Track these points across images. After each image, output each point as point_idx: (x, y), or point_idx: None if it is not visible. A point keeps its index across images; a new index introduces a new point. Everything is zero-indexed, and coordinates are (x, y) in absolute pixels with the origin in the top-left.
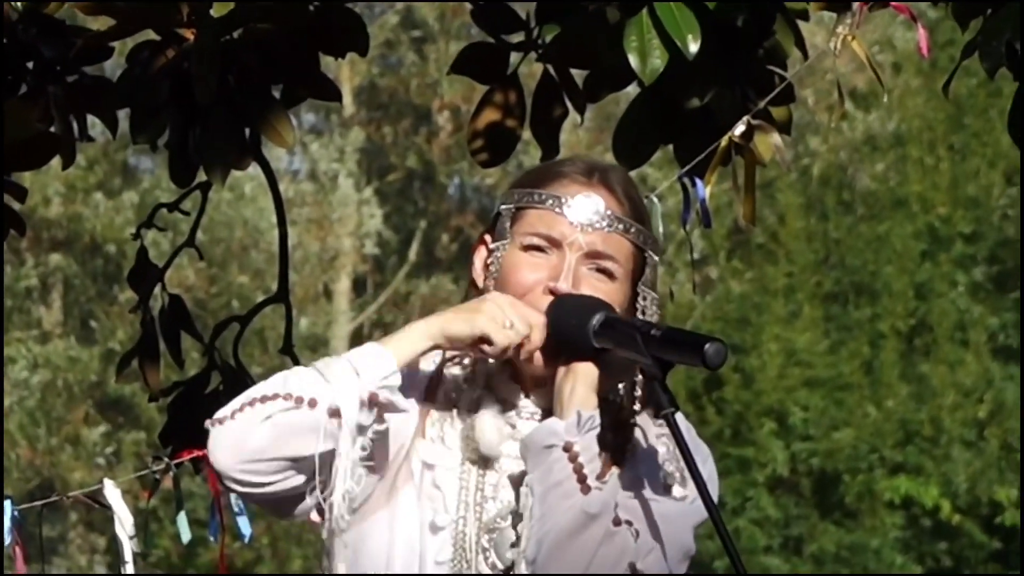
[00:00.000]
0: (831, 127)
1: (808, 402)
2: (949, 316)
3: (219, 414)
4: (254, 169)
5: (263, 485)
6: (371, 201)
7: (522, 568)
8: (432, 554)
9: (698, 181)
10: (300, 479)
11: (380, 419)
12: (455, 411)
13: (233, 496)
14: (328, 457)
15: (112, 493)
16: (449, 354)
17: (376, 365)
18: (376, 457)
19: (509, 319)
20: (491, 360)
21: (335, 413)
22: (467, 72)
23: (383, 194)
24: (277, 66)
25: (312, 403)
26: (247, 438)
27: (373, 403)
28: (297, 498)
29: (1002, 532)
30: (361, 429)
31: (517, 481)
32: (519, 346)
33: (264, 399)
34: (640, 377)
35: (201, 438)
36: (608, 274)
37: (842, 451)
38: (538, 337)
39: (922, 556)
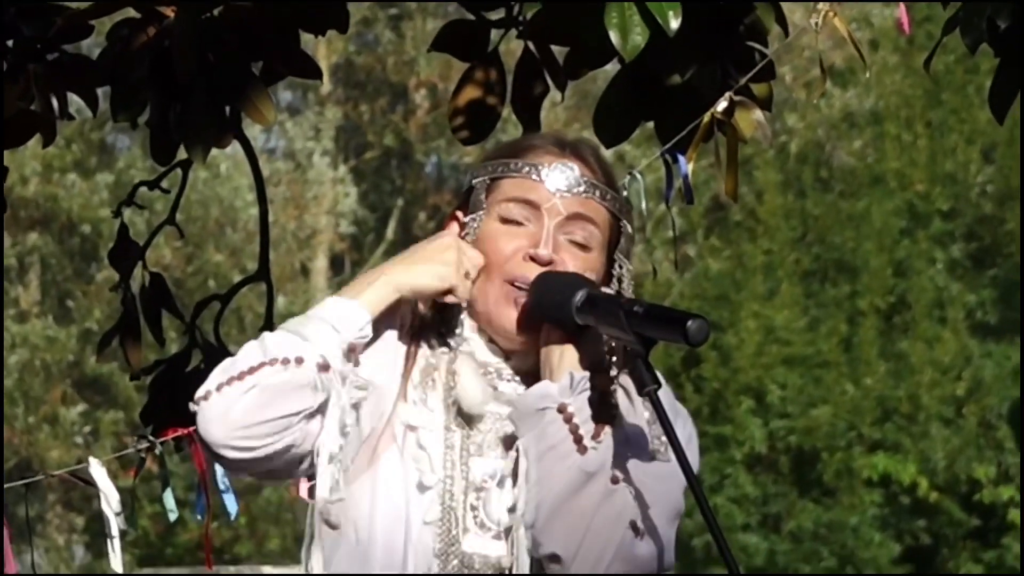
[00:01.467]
0: (812, 103)
1: (786, 380)
2: (927, 293)
3: (202, 390)
4: (231, 148)
5: (258, 448)
6: (346, 180)
7: (520, 531)
8: (419, 514)
9: (680, 157)
10: (293, 438)
11: (356, 363)
12: (435, 374)
13: (219, 474)
14: (318, 413)
15: (98, 471)
16: (420, 308)
17: (350, 319)
18: (361, 418)
19: (467, 267)
20: (448, 302)
21: (323, 367)
22: (447, 49)
23: (360, 172)
24: (257, 44)
25: (299, 360)
26: (237, 406)
27: (352, 352)
28: (293, 461)
29: (980, 509)
30: (344, 379)
31: (503, 441)
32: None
33: (252, 370)
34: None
35: (183, 417)
36: (585, 244)
37: (820, 429)
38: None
39: (900, 533)
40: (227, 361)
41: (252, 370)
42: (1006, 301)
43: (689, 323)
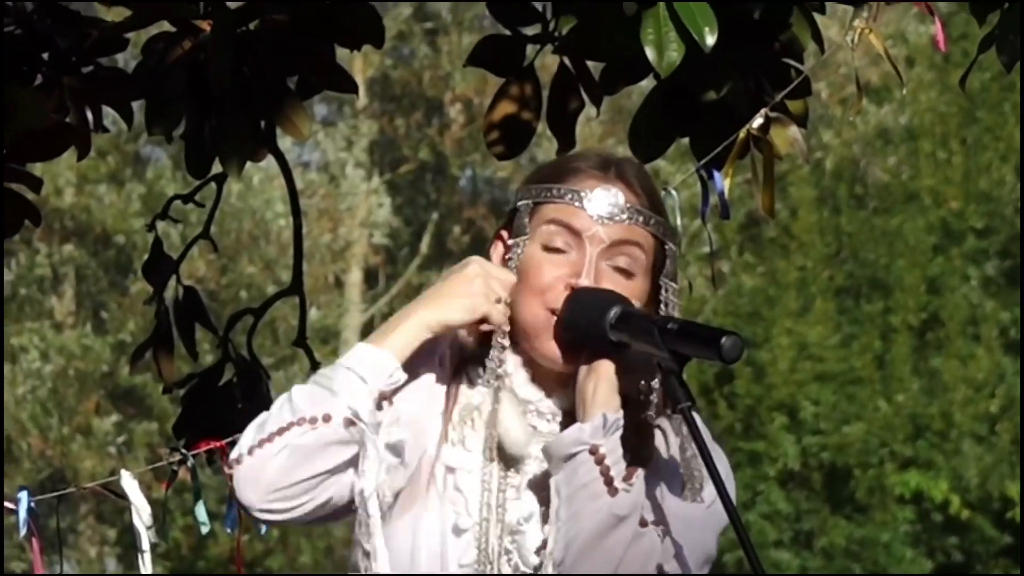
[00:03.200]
0: (847, 120)
1: (819, 396)
2: (961, 310)
3: (235, 452)
4: (264, 161)
5: (293, 509)
6: (380, 191)
7: (549, 569)
8: (455, 557)
9: (716, 173)
10: (329, 492)
11: (389, 404)
12: (476, 414)
13: None
14: (348, 465)
15: (129, 484)
16: (467, 351)
17: (379, 367)
18: (404, 456)
19: (497, 292)
20: (503, 355)
21: (351, 422)
22: (483, 64)
23: (395, 186)
24: (293, 57)
25: (327, 419)
26: (268, 470)
27: (382, 398)
28: (332, 513)
29: (1012, 527)
30: (377, 427)
31: (540, 483)
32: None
33: (280, 431)
34: (659, 376)
35: (216, 430)
36: (629, 270)
37: (853, 445)
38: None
39: (932, 551)
40: (259, 420)
41: (281, 431)
42: None
43: (723, 340)
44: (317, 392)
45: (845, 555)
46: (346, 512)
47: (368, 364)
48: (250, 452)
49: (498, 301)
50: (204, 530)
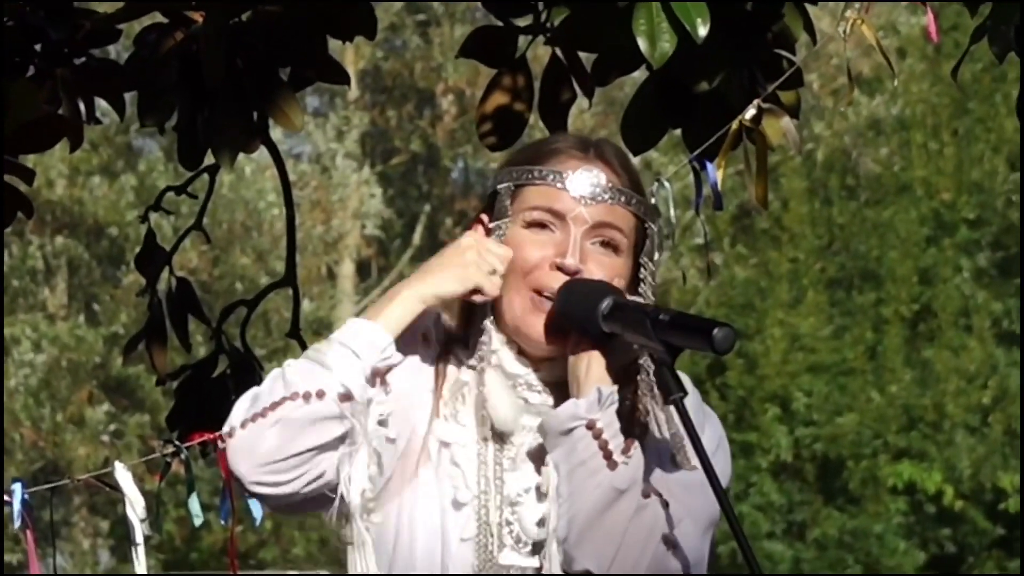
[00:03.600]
0: (839, 111)
1: (812, 387)
2: (953, 301)
3: (227, 426)
4: (256, 152)
5: (286, 483)
6: (371, 181)
7: (553, 547)
8: (456, 531)
9: (708, 165)
10: (322, 467)
11: (383, 384)
12: (465, 389)
13: None
14: (340, 441)
15: (123, 476)
16: (453, 332)
17: (372, 341)
18: (394, 433)
19: (491, 264)
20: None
21: (345, 397)
22: (475, 55)
23: (387, 178)
24: (285, 49)
25: (320, 394)
26: (261, 444)
27: (376, 375)
28: (322, 491)
29: (1005, 519)
30: (369, 403)
31: (536, 454)
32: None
33: (273, 406)
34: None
35: (209, 422)
36: (613, 247)
37: (845, 436)
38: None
39: (925, 542)
40: (251, 394)
41: (274, 405)
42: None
43: (715, 331)
44: (310, 367)
45: (838, 546)
46: (328, 499)
47: (361, 339)
48: (243, 425)
49: (492, 273)
50: (197, 522)
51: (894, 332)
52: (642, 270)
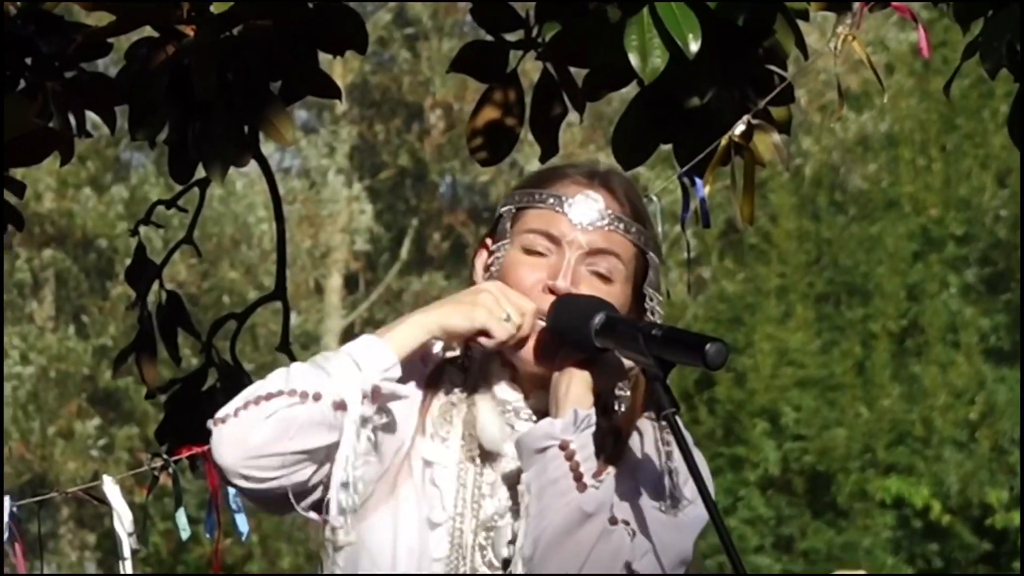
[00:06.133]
0: (828, 127)
1: (800, 402)
2: (941, 317)
3: (221, 413)
4: (246, 166)
5: (268, 480)
6: (361, 197)
7: (519, 566)
8: (430, 551)
9: (697, 180)
10: (305, 474)
11: (381, 411)
12: (455, 410)
13: (231, 493)
14: (334, 449)
15: (111, 489)
16: (448, 354)
17: (377, 358)
18: (380, 450)
19: (505, 311)
20: (489, 348)
21: (339, 406)
22: (466, 70)
23: (375, 192)
24: (276, 63)
25: (316, 397)
26: (251, 434)
27: (375, 395)
28: (299, 495)
29: (992, 534)
30: (364, 421)
31: (514, 479)
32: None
33: (269, 396)
34: (640, 377)
35: (198, 436)
36: (607, 276)
37: (834, 451)
38: (528, 324)
39: (913, 557)
40: (250, 387)
41: (269, 396)
42: (1020, 326)
43: (708, 346)
44: (313, 371)
45: (827, 560)
46: (305, 498)
47: (366, 354)
48: (236, 413)
49: (506, 320)
50: (184, 535)
51: (882, 347)
52: (647, 301)
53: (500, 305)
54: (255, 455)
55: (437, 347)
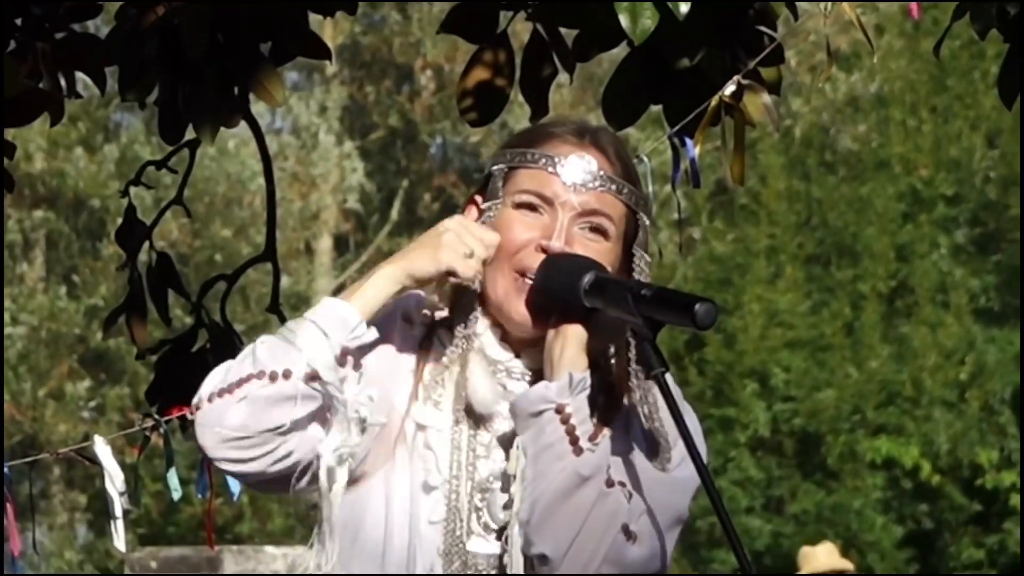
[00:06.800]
0: (817, 87)
1: (790, 363)
2: (930, 278)
3: (196, 398)
4: (238, 126)
5: (250, 460)
6: (353, 155)
7: (515, 529)
8: (425, 514)
9: (687, 141)
10: (288, 447)
11: (356, 365)
12: (446, 373)
13: None
14: (309, 420)
15: (102, 449)
16: (438, 315)
17: (343, 323)
18: (368, 414)
19: (469, 247)
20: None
21: (312, 377)
22: (456, 31)
23: (366, 152)
24: (266, 24)
25: (287, 375)
26: (226, 419)
27: (346, 355)
28: (293, 469)
29: (982, 495)
30: (343, 381)
31: (508, 441)
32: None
33: (240, 382)
34: (632, 340)
35: (189, 397)
36: (601, 233)
37: (824, 412)
38: (491, 254)
39: (903, 517)
40: (223, 367)
41: (241, 382)
42: (1009, 287)
43: (697, 306)
44: (280, 345)
45: (817, 521)
46: (301, 475)
47: (332, 319)
48: (210, 399)
49: (470, 256)
50: (176, 496)
51: (872, 308)
52: (636, 261)
53: (463, 241)
54: (232, 438)
55: (423, 314)
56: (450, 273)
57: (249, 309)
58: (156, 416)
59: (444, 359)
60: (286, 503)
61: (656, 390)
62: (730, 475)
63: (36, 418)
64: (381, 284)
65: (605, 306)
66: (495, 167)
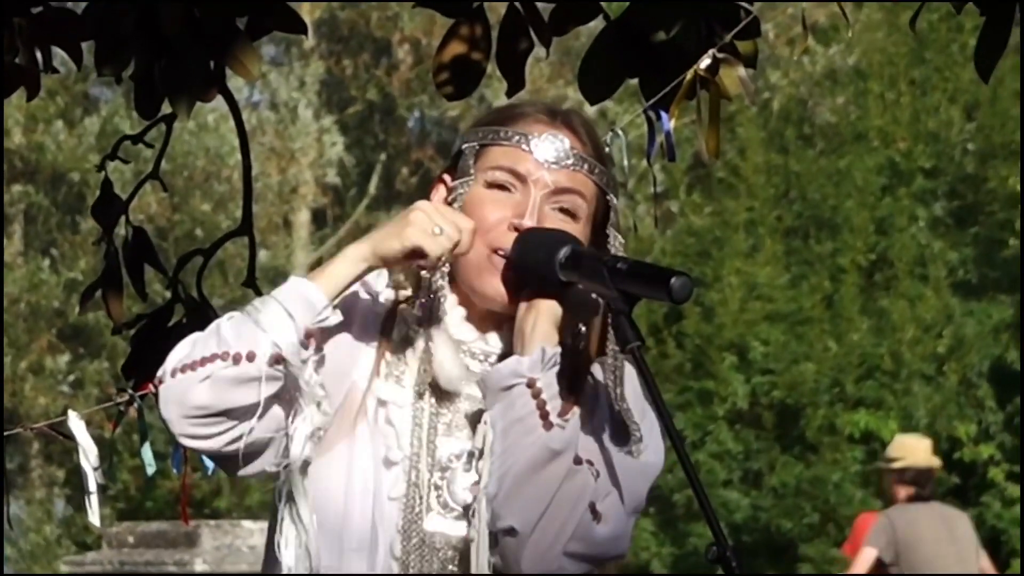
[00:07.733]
0: (794, 60)
1: (769, 336)
2: (909, 251)
3: (160, 371)
4: (217, 100)
5: (210, 437)
6: (331, 129)
7: (482, 504)
8: (385, 489)
9: (663, 114)
10: (245, 428)
11: (319, 348)
12: (410, 350)
13: None
14: (273, 402)
15: (76, 424)
16: (402, 294)
17: (308, 303)
18: (327, 391)
19: (437, 225)
20: (428, 265)
21: (276, 360)
22: (432, 5)
23: (344, 126)
24: None
25: (250, 356)
26: (188, 396)
27: (308, 336)
28: (247, 455)
29: (960, 467)
30: (305, 362)
31: (471, 421)
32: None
33: (204, 361)
34: (608, 316)
35: None
36: (572, 214)
37: (803, 385)
38: (467, 240)
39: (881, 491)
40: (189, 340)
41: (204, 361)
42: (987, 259)
43: (673, 280)
44: (246, 324)
45: (795, 494)
46: (262, 453)
47: (298, 300)
48: (173, 374)
49: (438, 235)
50: (150, 471)
51: (851, 281)
52: (610, 241)
53: (432, 220)
54: (194, 415)
55: (387, 291)
56: (416, 251)
57: (228, 283)
58: (131, 391)
59: (408, 335)
60: (264, 478)
61: (625, 372)
62: (708, 448)
63: (15, 392)
64: (348, 264)
65: (581, 280)
66: (466, 145)
